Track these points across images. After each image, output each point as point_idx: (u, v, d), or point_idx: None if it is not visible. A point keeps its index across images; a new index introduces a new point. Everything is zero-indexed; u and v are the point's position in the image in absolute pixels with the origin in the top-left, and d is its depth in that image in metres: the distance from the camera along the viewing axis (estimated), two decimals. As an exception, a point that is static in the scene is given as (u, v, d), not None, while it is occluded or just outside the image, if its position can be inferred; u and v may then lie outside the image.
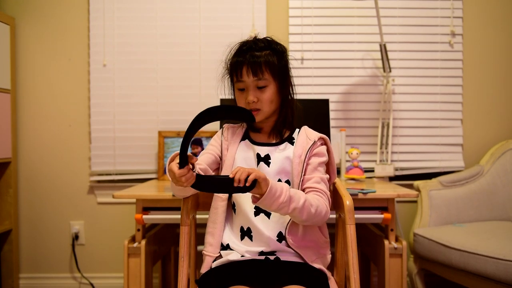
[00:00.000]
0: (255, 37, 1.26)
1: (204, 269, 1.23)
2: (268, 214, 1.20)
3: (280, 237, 1.20)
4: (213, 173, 1.26)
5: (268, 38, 1.26)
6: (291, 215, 1.12)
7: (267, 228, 1.19)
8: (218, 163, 1.28)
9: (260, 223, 1.19)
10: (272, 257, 1.18)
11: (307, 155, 1.20)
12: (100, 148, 2.31)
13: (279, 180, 1.21)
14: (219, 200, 1.23)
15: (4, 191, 2.24)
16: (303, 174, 1.20)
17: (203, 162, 1.21)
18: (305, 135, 1.26)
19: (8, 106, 2.22)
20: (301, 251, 1.19)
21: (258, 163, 1.22)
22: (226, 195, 1.23)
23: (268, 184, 1.04)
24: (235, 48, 1.25)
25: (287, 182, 1.21)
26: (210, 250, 1.22)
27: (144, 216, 1.61)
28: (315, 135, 1.26)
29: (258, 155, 1.23)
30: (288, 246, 1.19)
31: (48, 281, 2.36)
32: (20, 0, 2.32)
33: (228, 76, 1.28)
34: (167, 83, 2.31)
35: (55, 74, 2.34)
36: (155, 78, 2.31)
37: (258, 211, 1.20)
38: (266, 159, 1.22)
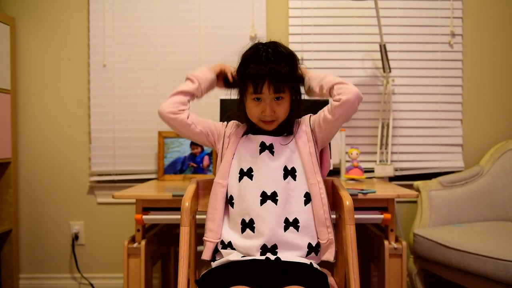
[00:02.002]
0: (269, 42, 1.23)
1: (205, 255, 1.24)
2: (275, 201, 1.21)
3: (287, 223, 1.20)
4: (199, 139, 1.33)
5: (282, 46, 1.22)
6: (336, 85, 1.19)
7: (274, 215, 1.20)
8: (209, 142, 1.32)
9: (266, 211, 1.20)
10: (272, 257, 1.18)
11: (310, 128, 1.27)
12: (100, 148, 2.31)
13: (285, 168, 1.24)
14: (219, 186, 1.25)
15: (4, 191, 2.24)
16: (315, 143, 1.26)
17: (201, 125, 1.30)
18: (298, 123, 1.30)
19: (8, 106, 2.22)
20: (303, 238, 1.21)
21: (261, 152, 1.25)
22: (226, 182, 1.25)
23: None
24: (250, 53, 1.22)
25: (293, 169, 1.24)
26: (210, 235, 1.24)
27: (144, 217, 1.61)
28: (304, 116, 1.32)
29: (263, 143, 1.25)
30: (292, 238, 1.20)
31: (48, 281, 2.36)
32: (20, 0, 2.32)
33: (240, 82, 1.26)
34: (167, 83, 2.31)
35: (55, 74, 2.34)
36: (155, 78, 2.31)
37: (264, 198, 1.21)
38: (271, 148, 1.25)
